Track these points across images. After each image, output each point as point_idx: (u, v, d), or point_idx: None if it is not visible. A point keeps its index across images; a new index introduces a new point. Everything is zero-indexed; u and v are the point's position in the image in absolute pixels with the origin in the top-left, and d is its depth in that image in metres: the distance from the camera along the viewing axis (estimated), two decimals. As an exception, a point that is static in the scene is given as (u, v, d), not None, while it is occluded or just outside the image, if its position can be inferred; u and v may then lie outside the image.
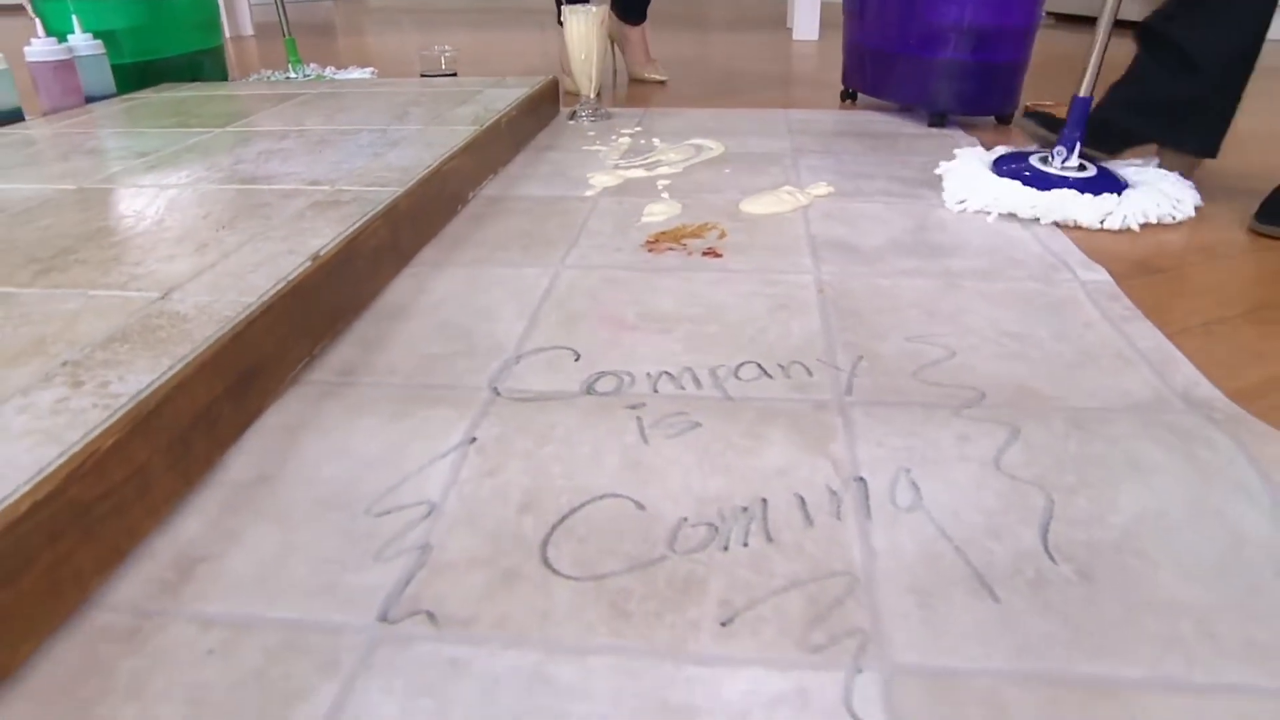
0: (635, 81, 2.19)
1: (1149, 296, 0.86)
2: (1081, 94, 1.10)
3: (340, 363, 0.75)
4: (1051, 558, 0.51)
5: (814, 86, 2.11)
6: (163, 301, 0.68)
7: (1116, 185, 1.10)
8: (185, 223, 0.87)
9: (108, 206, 0.94)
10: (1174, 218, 1.07)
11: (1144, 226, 1.06)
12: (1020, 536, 0.53)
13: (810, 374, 0.71)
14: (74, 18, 1.58)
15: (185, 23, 1.86)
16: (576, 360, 0.74)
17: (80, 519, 0.48)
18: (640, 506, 0.56)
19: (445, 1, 4.89)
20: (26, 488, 0.46)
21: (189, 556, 0.52)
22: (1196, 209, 1.10)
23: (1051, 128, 1.24)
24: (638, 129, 1.60)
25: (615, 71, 2.27)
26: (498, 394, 0.69)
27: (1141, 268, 0.94)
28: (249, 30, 3.49)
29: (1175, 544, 0.52)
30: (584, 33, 1.62)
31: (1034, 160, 1.15)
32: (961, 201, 1.12)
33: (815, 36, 3.00)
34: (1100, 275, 0.90)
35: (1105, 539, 0.53)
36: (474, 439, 0.63)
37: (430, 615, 0.48)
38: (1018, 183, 1.10)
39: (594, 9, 1.62)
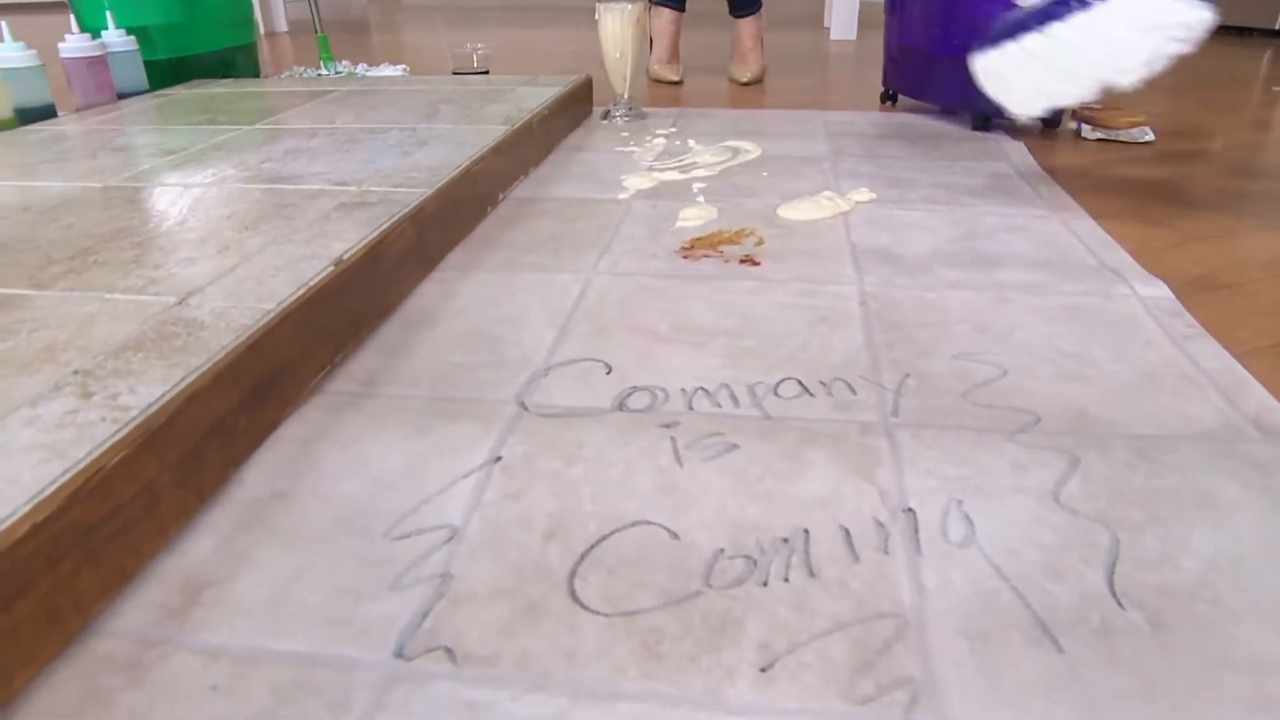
0: (651, 81, 2.15)
1: (1213, 314, 0.81)
2: None
3: (363, 371, 0.72)
4: (1119, 603, 0.47)
5: (852, 88, 2.06)
6: (180, 307, 0.66)
7: None
8: (208, 223, 0.85)
9: (131, 206, 0.92)
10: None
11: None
12: (1084, 578, 0.49)
13: (854, 393, 0.68)
14: (108, 14, 1.57)
15: (219, 19, 1.85)
16: (608, 373, 0.71)
17: (83, 540, 0.46)
18: (674, 536, 0.53)
19: (479, -1, 4.89)
20: (26, 508, 0.43)
21: (197, 580, 0.50)
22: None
23: None
24: (672, 129, 1.57)
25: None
26: (525, 409, 0.66)
27: (1203, 283, 0.89)
28: (283, 26, 3.50)
29: (1256, 591, 0.48)
30: (619, 30, 1.59)
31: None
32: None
33: (853, 36, 2.95)
34: (1160, 290, 0.85)
35: (1178, 584, 0.49)
36: (499, 458, 0.60)
37: (449, 652, 0.45)
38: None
39: (629, 7, 1.58)
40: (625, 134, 1.55)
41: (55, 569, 0.44)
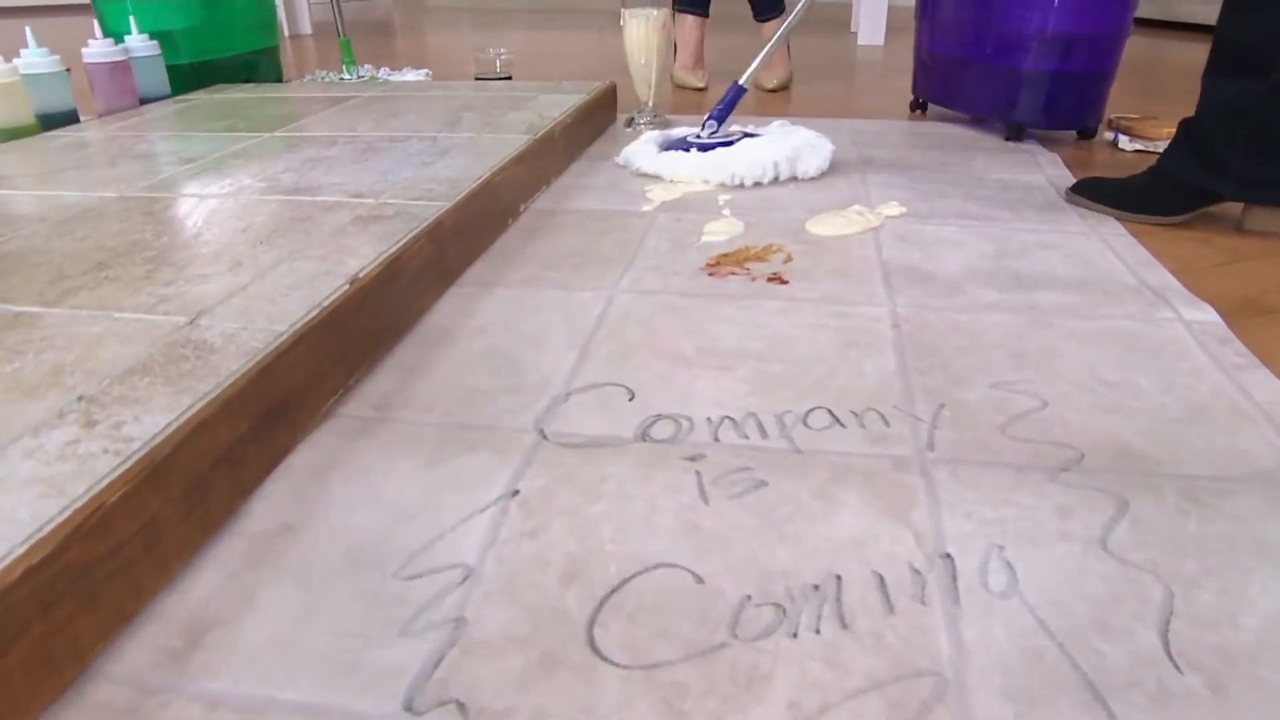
0: (676, 88, 2.12)
1: (1265, 340, 0.77)
2: (742, 82, 1.33)
3: (377, 394, 0.70)
4: (1175, 665, 0.44)
5: (881, 95, 2.03)
6: (189, 328, 0.64)
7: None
8: (222, 237, 0.83)
9: (147, 218, 0.90)
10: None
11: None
12: (1136, 636, 0.46)
13: (887, 424, 0.65)
14: (131, 19, 1.57)
15: (242, 23, 1.84)
16: (630, 400, 0.68)
17: (80, 582, 0.44)
18: (698, 580, 0.50)
19: (504, 2, 4.88)
20: (21, 549, 0.41)
21: (200, 621, 0.48)
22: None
23: (1104, 198, 1.14)
24: (697, 138, 1.54)
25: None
26: (544, 437, 0.64)
27: (1252, 305, 0.85)
28: (307, 29, 3.50)
29: (1323, 654, 0.45)
30: (644, 37, 1.56)
31: (689, 137, 1.33)
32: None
33: (881, 42, 2.91)
34: (1208, 315, 0.82)
35: (1238, 644, 0.45)
36: (516, 491, 0.58)
37: (460, 706, 0.43)
38: (674, 152, 1.27)
39: (655, 13, 1.56)
40: (649, 142, 1.52)
41: (50, 613, 0.42)
